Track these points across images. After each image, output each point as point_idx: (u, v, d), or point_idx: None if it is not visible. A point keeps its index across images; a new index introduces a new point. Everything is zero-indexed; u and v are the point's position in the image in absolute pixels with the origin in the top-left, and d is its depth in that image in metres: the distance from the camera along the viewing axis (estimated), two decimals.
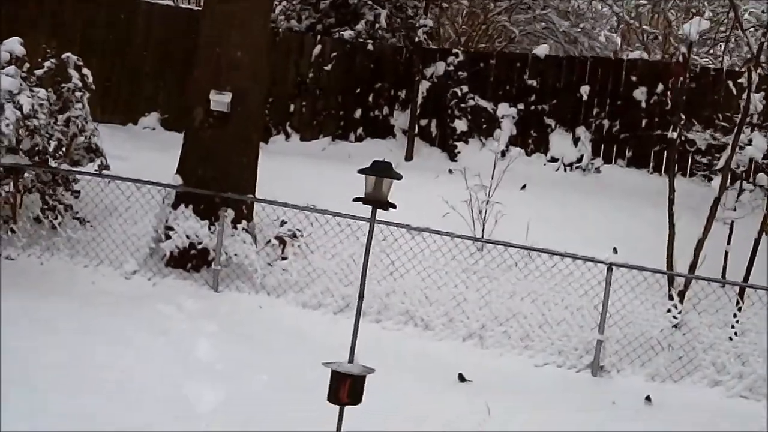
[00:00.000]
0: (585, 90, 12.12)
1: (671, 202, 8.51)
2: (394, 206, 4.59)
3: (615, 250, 7.99)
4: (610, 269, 7.69)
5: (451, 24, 15.81)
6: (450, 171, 11.05)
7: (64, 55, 8.21)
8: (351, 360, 4.53)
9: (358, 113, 12.77)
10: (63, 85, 8.03)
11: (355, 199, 4.63)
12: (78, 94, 8.15)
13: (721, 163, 8.61)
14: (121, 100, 12.48)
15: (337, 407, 4.55)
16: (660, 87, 11.80)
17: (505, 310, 7.95)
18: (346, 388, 4.33)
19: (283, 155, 11.53)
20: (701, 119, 10.15)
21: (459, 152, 12.39)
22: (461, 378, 7.05)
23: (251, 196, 8.25)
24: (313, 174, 10.75)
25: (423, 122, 12.56)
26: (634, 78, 11.96)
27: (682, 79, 8.38)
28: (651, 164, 11.91)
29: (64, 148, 8.56)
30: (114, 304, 7.46)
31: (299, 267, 8.18)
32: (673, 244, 8.38)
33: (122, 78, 12.40)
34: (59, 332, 6.58)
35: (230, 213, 8.09)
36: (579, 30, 16.94)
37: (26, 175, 8.45)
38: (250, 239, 8.13)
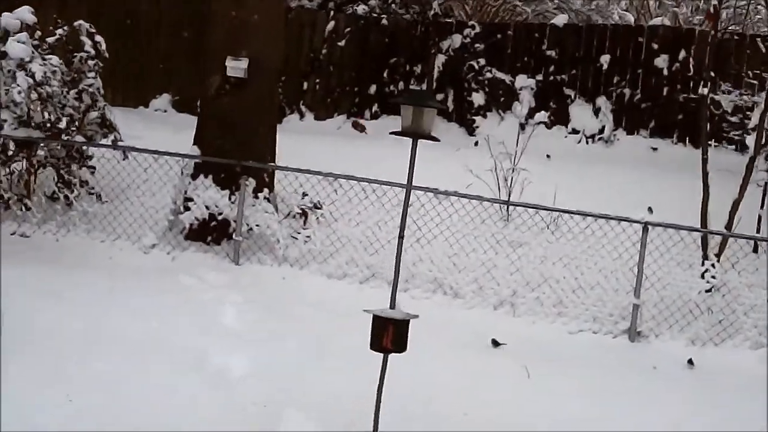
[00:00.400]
0: (605, 59, 11.82)
1: (704, 161, 8.23)
2: (437, 139, 4.32)
3: (650, 210, 7.73)
4: (645, 229, 7.41)
5: (462, 5, 15.55)
6: (476, 144, 10.79)
7: (76, 23, 7.95)
8: (393, 306, 4.27)
9: (373, 89, 12.49)
10: (75, 54, 7.76)
11: (393, 133, 4.35)
12: (91, 62, 7.89)
13: (754, 122, 8.33)
14: (131, 82, 12.24)
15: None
16: (682, 54, 11.51)
17: (537, 275, 7.69)
18: (389, 333, 4.07)
19: (297, 134, 11.28)
20: (728, 80, 9.85)
21: (477, 126, 12.10)
22: (495, 343, 6.80)
23: (272, 164, 7.99)
24: (329, 152, 10.47)
25: (439, 97, 12.26)
26: (655, 45, 11.66)
27: (713, 32, 8.08)
28: (675, 133, 11.60)
29: (76, 123, 8.32)
30: (133, 277, 7.24)
31: (323, 237, 7.92)
32: (707, 205, 8.09)
33: (132, 59, 12.15)
34: (77, 303, 6.37)
35: (251, 182, 7.84)
36: (593, 8, 16.65)
37: (39, 150, 8.23)
38: (271, 208, 7.88)
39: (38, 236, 8.00)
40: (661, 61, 11.65)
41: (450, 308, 7.59)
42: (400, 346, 4.17)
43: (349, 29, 12.41)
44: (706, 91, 8.04)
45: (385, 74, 12.49)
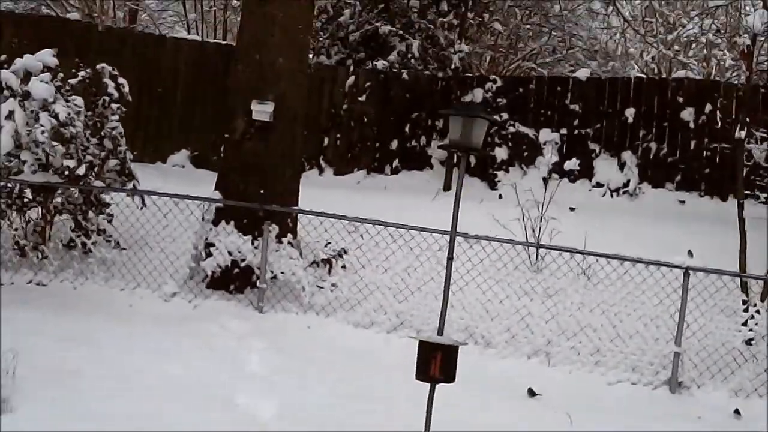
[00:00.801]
0: (630, 113, 11.66)
1: (741, 206, 7.99)
2: (487, 153, 4.08)
3: (690, 253, 7.43)
4: (686, 274, 7.13)
5: (479, 64, 15.55)
6: (500, 197, 10.59)
7: (99, 66, 7.82)
8: (441, 332, 3.98)
9: (394, 144, 12.33)
10: (97, 97, 7.61)
11: (441, 147, 4.13)
12: (114, 106, 7.74)
13: None
14: (149, 137, 12.12)
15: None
16: (708, 107, 11.35)
17: (573, 323, 7.38)
18: (437, 361, 3.77)
19: (317, 187, 11.11)
20: (760, 127, 9.65)
21: (499, 181, 11.89)
22: (531, 392, 6.47)
23: (297, 208, 7.76)
24: (349, 203, 10.27)
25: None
26: (680, 99, 11.51)
27: (748, 73, 7.92)
28: (702, 186, 11.37)
29: (95, 169, 8.12)
30: (154, 324, 6.98)
31: (349, 284, 7.65)
32: (746, 251, 7.82)
33: (150, 115, 12.06)
34: (100, 347, 6.13)
35: (274, 228, 7.60)
36: (608, 69, 16.67)
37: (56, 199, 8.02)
38: (296, 254, 7.63)
39: (55, 284, 7.74)
40: (687, 114, 11.47)
41: (482, 357, 7.28)
42: (449, 374, 3.89)
43: (369, 84, 12.31)
44: (743, 134, 7.83)
45: (406, 129, 12.34)
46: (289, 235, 7.66)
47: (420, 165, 12.32)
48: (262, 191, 7.72)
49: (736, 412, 6.53)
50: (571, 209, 10.37)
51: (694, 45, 15.05)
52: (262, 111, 7.70)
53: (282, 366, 6.28)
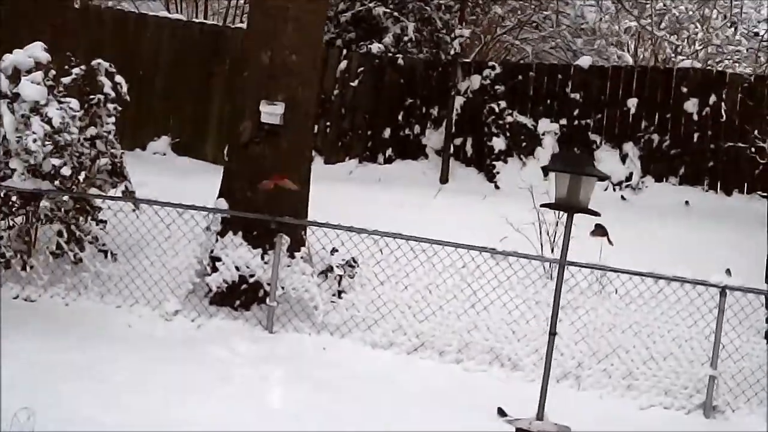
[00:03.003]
0: (632, 103, 11.25)
1: None
2: (597, 213, 3.61)
3: (728, 272, 7.08)
4: (723, 293, 6.79)
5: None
6: (496, 187, 10.18)
7: (94, 62, 7.13)
8: (540, 416, 3.53)
9: (387, 133, 11.77)
10: (92, 96, 6.94)
11: (544, 206, 3.64)
12: (110, 106, 7.07)
13: None
14: (128, 123, 11.34)
15: None
16: (713, 98, 11.01)
17: (605, 344, 6.99)
18: None
19: None
20: None
21: (498, 172, 11.45)
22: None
23: (311, 220, 7.22)
24: (344, 199, 9.74)
25: (457, 141, 11.60)
26: (684, 89, 11.14)
27: None
28: (706, 180, 11.06)
29: (85, 171, 7.45)
30: (160, 349, 6.47)
31: (366, 301, 7.16)
32: None
33: (129, 99, 11.28)
34: (110, 385, 5.58)
35: (286, 240, 7.05)
36: (593, 48, 16.22)
37: (43, 203, 7.36)
38: (310, 270, 7.10)
39: (45, 300, 7.15)
40: (691, 106, 11.12)
41: (508, 381, 6.89)
42: None
43: (362, 69, 11.71)
44: None
45: (400, 117, 11.79)
46: (302, 249, 7.12)
47: (414, 154, 11.80)
48: (271, 199, 7.16)
49: None
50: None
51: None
52: (271, 113, 7.12)
53: (307, 399, 5.84)
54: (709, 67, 12.35)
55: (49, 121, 6.36)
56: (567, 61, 13.44)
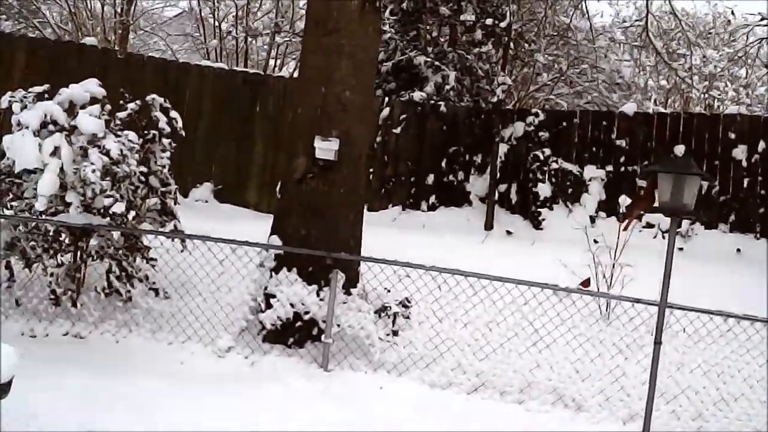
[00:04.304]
0: (679, 149, 11.13)
1: None
2: (702, 218, 3.42)
3: None
4: None
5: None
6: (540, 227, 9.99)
7: (149, 97, 7.10)
8: None
9: (430, 179, 11.71)
10: (147, 131, 6.88)
11: (649, 211, 3.47)
12: (165, 141, 7.01)
13: None
14: (170, 170, 11.36)
15: None
16: (762, 145, 10.85)
17: (673, 384, 6.72)
18: None
19: None
20: None
21: (543, 219, 11.31)
22: None
23: (369, 256, 7.06)
24: (391, 243, 9.60)
25: (502, 188, 11.50)
26: (732, 135, 11.01)
27: None
28: (757, 228, 10.83)
29: (134, 210, 7.37)
30: (214, 385, 6.24)
31: (424, 339, 6.94)
32: None
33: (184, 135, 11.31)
34: (162, 417, 5.39)
35: (342, 277, 6.88)
36: (628, 101, 16.20)
37: (93, 241, 7.27)
38: (366, 307, 6.91)
39: (95, 337, 6.98)
40: (740, 152, 11.00)
41: (573, 423, 6.60)
42: None
43: (404, 116, 11.68)
44: None
45: (443, 163, 11.71)
46: (359, 286, 6.95)
47: (458, 201, 11.71)
48: (325, 236, 7.03)
49: None
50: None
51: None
52: (326, 149, 7.02)
53: None
54: (756, 113, 12.22)
55: (107, 153, 6.28)
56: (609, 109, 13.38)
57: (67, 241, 7.21)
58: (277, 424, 5.70)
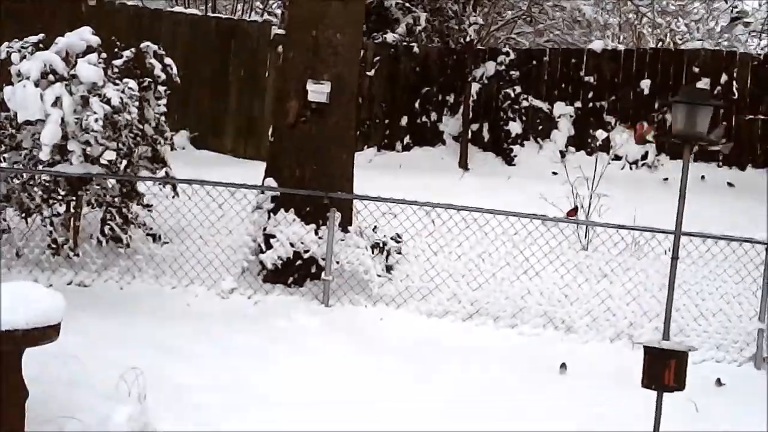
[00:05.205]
0: (646, 84, 11.49)
1: None
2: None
3: None
4: None
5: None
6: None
7: (143, 45, 7.18)
8: (666, 336, 3.64)
9: (404, 121, 11.93)
10: (142, 79, 6.98)
11: (657, 136, 3.77)
12: (161, 89, 7.12)
13: None
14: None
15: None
16: (724, 77, 11.25)
17: (656, 304, 7.13)
18: (671, 369, 3.44)
19: None
20: None
21: (515, 156, 11.63)
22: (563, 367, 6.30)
23: (366, 194, 7.31)
24: (372, 183, 9.86)
25: (474, 127, 11.77)
26: (696, 69, 11.38)
27: None
28: (720, 157, 11.27)
29: (123, 158, 7.46)
30: (223, 324, 6.51)
31: (420, 272, 7.25)
32: None
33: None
34: (187, 356, 5.63)
35: (338, 215, 7.13)
36: (588, 41, 16.46)
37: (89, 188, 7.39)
38: (363, 243, 7.17)
39: (100, 285, 7.15)
40: (703, 85, 11.34)
41: (563, 343, 7.00)
42: (681, 381, 3.54)
43: (378, 58, 11.84)
44: None
45: (416, 105, 11.93)
46: (356, 224, 7.21)
47: (432, 141, 11.96)
48: (320, 176, 7.25)
49: None
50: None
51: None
52: (318, 91, 7.20)
53: (387, 367, 5.92)
54: (718, 48, 12.60)
55: (108, 102, 6.39)
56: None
57: (63, 192, 7.32)
58: (292, 353, 6.01)
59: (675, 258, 3.78)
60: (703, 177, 11.12)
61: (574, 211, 8.00)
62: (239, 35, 11.76)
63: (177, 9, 12.28)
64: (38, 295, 4.28)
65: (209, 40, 11.65)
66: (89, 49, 6.74)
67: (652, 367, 3.54)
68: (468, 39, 11.57)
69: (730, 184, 10.90)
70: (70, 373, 4.66)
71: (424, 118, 11.96)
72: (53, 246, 7.20)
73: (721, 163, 11.30)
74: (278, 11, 13.00)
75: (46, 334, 4.12)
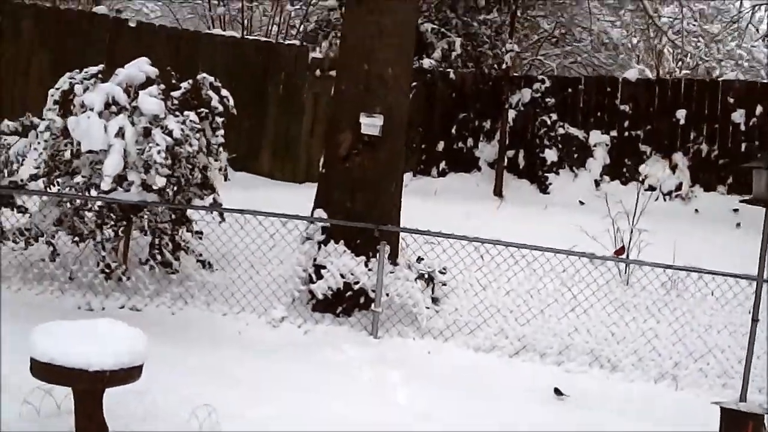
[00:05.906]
0: (681, 114, 11.53)
1: None
2: None
3: None
4: None
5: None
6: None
7: (199, 76, 7.29)
8: (744, 397, 3.71)
9: (440, 146, 12.01)
10: (199, 110, 7.08)
11: (743, 201, 3.84)
12: (219, 120, 7.22)
13: None
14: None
15: None
16: (759, 109, 11.29)
17: (701, 344, 7.18)
18: (748, 430, 3.50)
19: None
20: None
21: (550, 183, 11.69)
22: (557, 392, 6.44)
23: (416, 228, 7.39)
24: (410, 210, 9.94)
25: (509, 153, 11.84)
26: (731, 100, 11.43)
27: None
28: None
29: (176, 186, 7.56)
30: (275, 352, 6.64)
31: (468, 306, 7.32)
32: None
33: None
34: (237, 380, 5.74)
35: (387, 248, 7.22)
36: (615, 63, 16.55)
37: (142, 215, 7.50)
38: (412, 276, 7.25)
39: (151, 310, 7.25)
40: (738, 116, 11.41)
41: (608, 381, 7.06)
42: None
43: (414, 84, 11.89)
44: None
45: (453, 130, 12.01)
46: (407, 256, 7.29)
47: (467, 167, 12.03)
48: (369, 209, 7.34)
49: None
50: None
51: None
52: (371, 124, 7.30)
53: (430, 396, 6.01)
54: (753, 79, 12.66)
55: (169, 134, 6.49)
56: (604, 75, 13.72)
57: (115, 217, 7.43)
58: (346, 383, 6.09)
59: (755, 320, 3.83)
60: (736, 210, 11.17)
61: (621, 250, 8.07)
62: (276, 58, 11.89)
63: (215, 31, 12.35)
64: (121, 334, 4.38)
65: (247, 62, 11.76)
66: (148, 81, 6.83)
67: (730, 428, 3.60)
68: (505, 66, 11.63)
69: (735, 210, 10.91)
70: (145, 408, 4.76)
71: (460, 144, 12.04)
72: (106, 270, 7.29)
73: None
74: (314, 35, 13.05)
75: (131, 374, 4.24)
